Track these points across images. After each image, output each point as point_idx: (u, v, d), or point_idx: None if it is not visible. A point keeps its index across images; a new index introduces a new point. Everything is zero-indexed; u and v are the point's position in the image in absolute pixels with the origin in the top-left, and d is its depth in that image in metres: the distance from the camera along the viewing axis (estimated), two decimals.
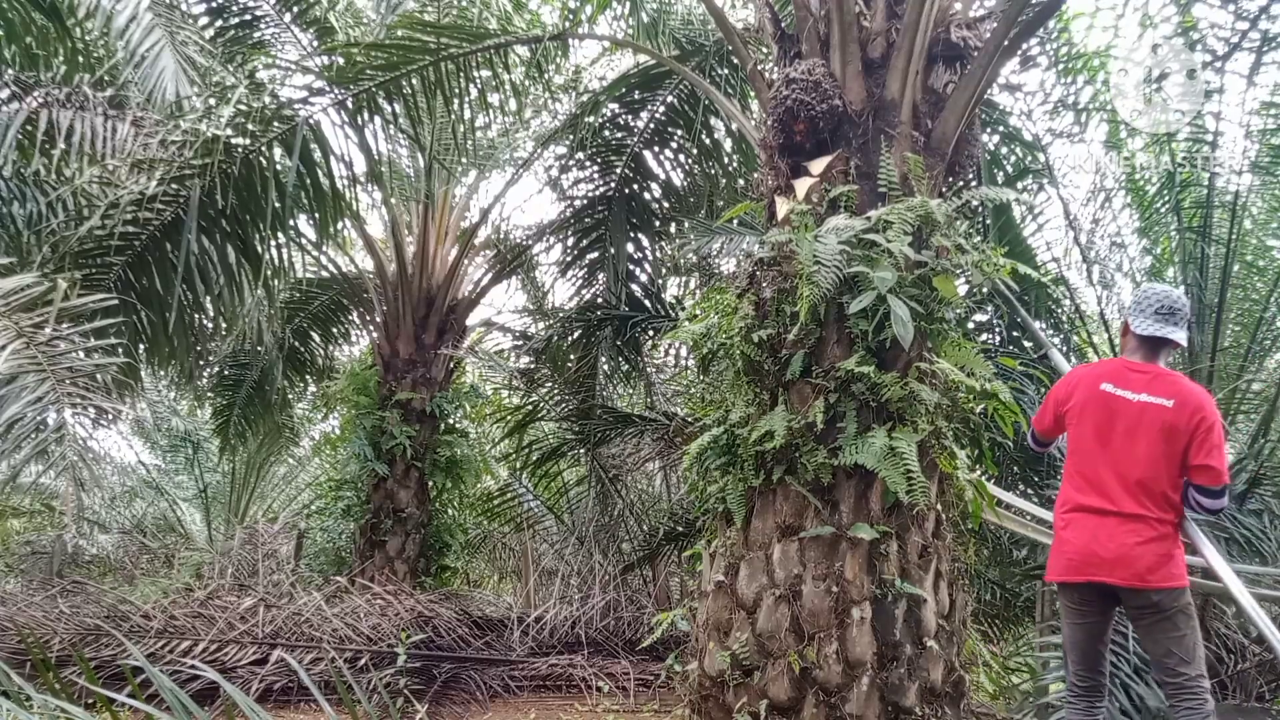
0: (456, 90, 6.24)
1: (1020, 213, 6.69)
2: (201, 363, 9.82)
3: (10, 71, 6.14)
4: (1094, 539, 3.19)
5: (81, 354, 4.76)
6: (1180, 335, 3.32)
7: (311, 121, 6.00)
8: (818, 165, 4.30)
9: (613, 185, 8.19)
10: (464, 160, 9.56)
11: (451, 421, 9.87)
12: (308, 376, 11.07)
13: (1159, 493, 3.18)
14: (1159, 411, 3.20)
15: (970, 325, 6.49)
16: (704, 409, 5.26)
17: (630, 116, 7.82)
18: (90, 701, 4.15)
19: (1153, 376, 3.29)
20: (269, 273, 6.62)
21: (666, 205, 8.40)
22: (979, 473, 4.49)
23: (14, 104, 5.85)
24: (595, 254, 8.54)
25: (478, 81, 6.40)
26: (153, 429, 13.98)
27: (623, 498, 9.31)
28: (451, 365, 9.84)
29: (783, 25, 4.85)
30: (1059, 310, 6.75)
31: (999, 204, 6.06)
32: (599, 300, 8.51)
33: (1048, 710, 4.40)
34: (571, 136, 8.21)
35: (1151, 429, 3.20)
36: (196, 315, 6.68)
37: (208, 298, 6.47)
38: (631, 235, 8.45)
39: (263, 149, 5.96)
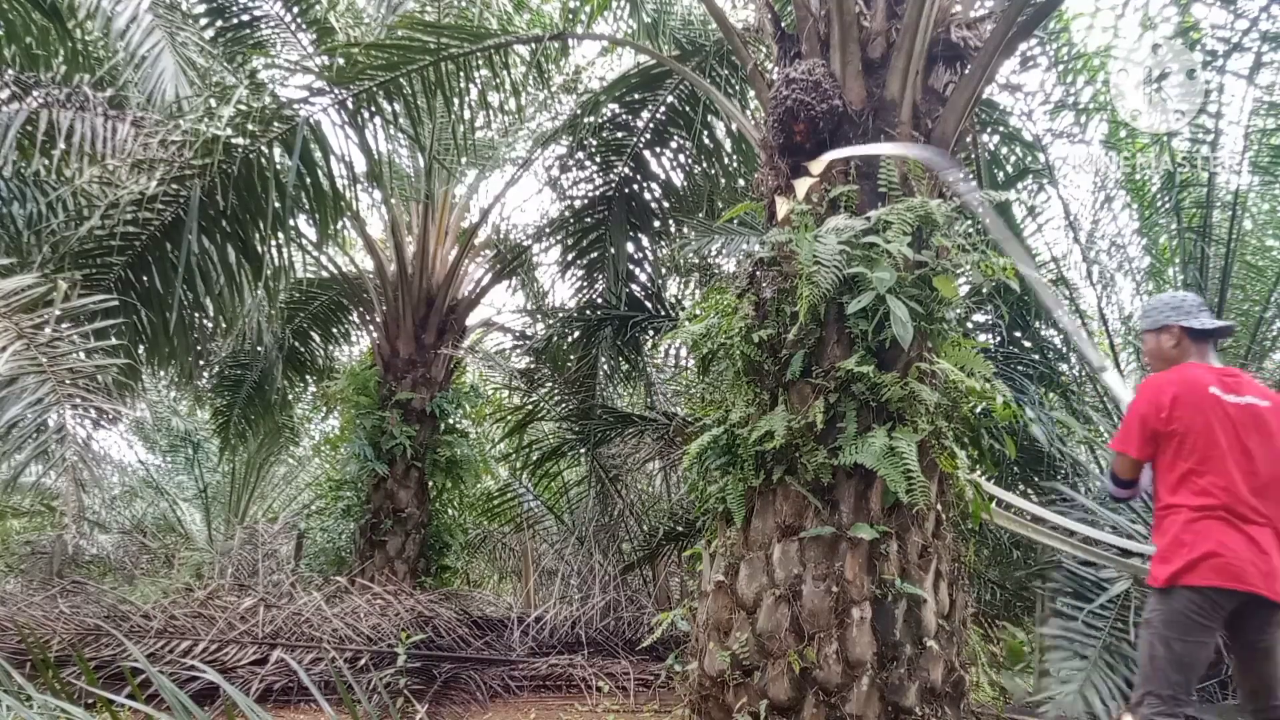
0: (456, 90, 6.24)
1: (1020, 213, 6.70)
2: (202, 363, 9.82)
3: (10, 71, 6.14)
4: (1250, 547, 2.90)
5: (82, 355, 4.75)
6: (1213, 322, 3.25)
7: (311, 121, 6.00)
8: (818, 165, 4.30)
9: (613, 185, 8.19)
10: (464, 160, 9.56)
11: (451, 421, 9.87)
12: (308, 376, 11.07)
13: (1275, 497, 3.01)
14: (1265, 412, 3.06)
15: (970, 325, 6.50)
16: (704, 409, 5.26)
17: (630, 116, 7.82)
18: (90, 702, 4.15)
19: (1239, 377, 3.15)
20: (269, 273, 6.62)
21: (666, 205, 8.40)
22: (979, 472, 4.49)
23: (14, 104, 5.85)
24: (595, 254, 8.54)
25: (478, 81, 6.40)
26: (153, 429, 13.99)
27: (623, 498, 9.31)
28: (451, 365, 9.84)
29: (783, 25, 4.85)
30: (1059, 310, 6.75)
31: (999, 204, 6.06)
32: (599, 300, 8.51)
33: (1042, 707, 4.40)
34: (571, 136, 8.21)
35: (1264, 431, 3.04)
36: (197, 315, 6.67)
37: (208, 298, 6.47)
38: (631, 235, 8.45)
39: (263, 149, 5.96)
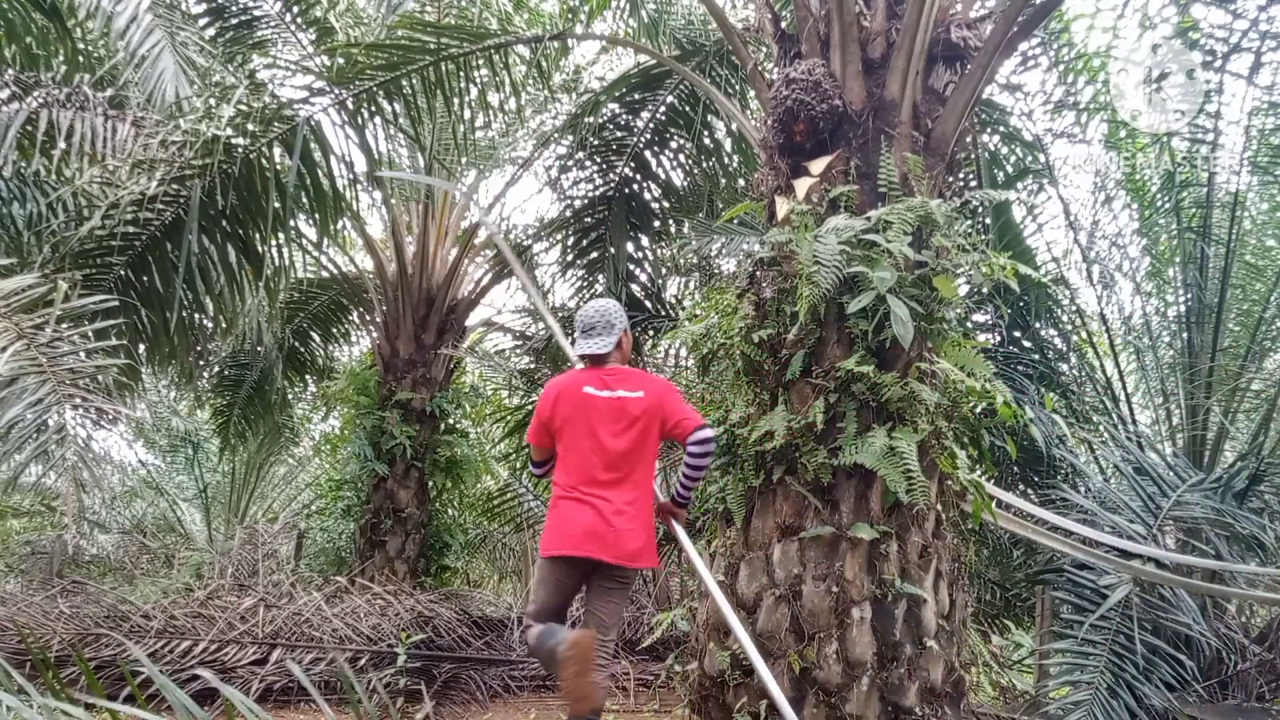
0: (456, 90, 6.24)
1: (1020, 213, 6.70)
2: (202, 363, 9.84)
3: (10, 71, 6.14)
4: (594, 518, 3.55)
5: (82, 355, 4.75)
6: (597, 344, 3.77)
7: (312, 121, 6.00)
8: (818, 165, 4.30)
9: (613, 185, 8.19)
10: (464, 160, 9.56)
11: (451, 421, 9.87)
12: (308, 376, 11.07)
13: (636, 475, 3.66)
14: (630, 402, 3.66)
15: (970, 325, 6.50)
16: (704, 409, 5.26)
17: (630, 116, 7.82)
18: (90, 703, 4.15)
19: (616, 375, 3.74)
20: (269, 273, 6.62)
21: (666, 205, 8.40)
22: (979, 472, 4.49)
23: (14, 104, 5.85)
24: (595, 254, 8.54)
25: (478, 81, 6.40)
26: (153, 429, 13.99)
27: None
28: (451, 365, 9.84)
29: (783, 25, 4.85)
30: (1059, 310, 6.75)
31: (999, 204, 6.06)
32: None
33: (1036, 706, 4.40)
34: (571, 136, 8.21)
35: (626, 417, 3.64)
36: (197, 315, 6.68)
37: (208, 298, 6.47)
38: (631, 235, 8.45)
39: (263, 149, 5.96)
